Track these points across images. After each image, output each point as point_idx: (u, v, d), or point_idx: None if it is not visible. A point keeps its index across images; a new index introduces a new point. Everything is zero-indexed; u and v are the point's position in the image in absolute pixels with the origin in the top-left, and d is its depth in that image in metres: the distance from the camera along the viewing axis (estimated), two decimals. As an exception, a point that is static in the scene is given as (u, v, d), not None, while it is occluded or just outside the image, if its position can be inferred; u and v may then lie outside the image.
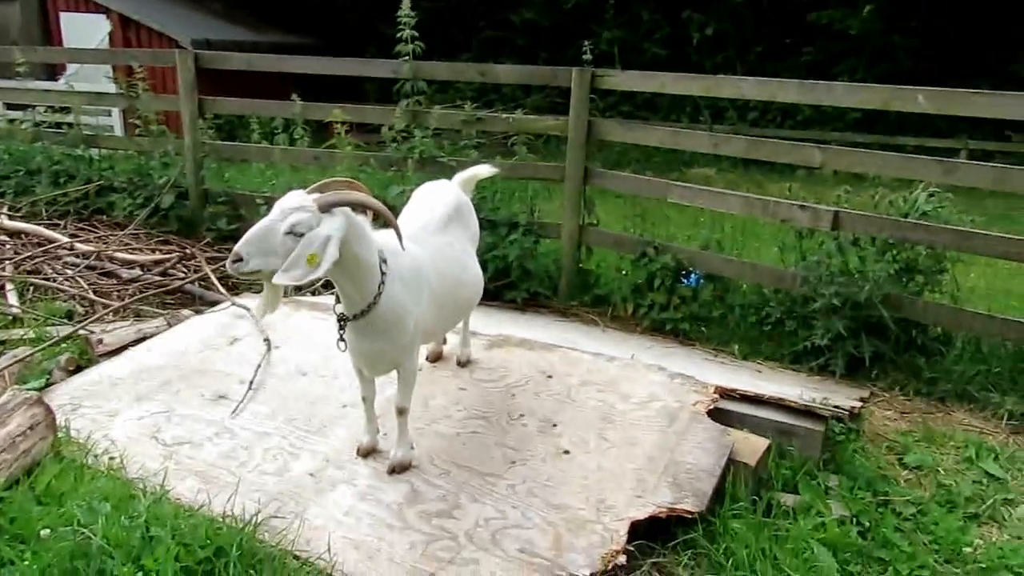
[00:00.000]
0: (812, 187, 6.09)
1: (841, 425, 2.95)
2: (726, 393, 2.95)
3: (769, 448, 2.68)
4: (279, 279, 2.06)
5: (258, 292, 4.02)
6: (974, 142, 10.03)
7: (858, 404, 3.09)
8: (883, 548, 2.39)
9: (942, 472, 2.87)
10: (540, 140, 4.95)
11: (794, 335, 3.69)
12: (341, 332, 2.41)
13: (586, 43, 4.67)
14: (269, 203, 5.26)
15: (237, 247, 2.09)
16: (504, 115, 4.78)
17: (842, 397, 3.12)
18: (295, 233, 2.08)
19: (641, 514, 2.34)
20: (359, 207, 2.31)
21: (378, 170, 4.82)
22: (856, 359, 3.48)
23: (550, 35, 13.47)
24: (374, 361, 2.51)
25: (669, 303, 4.02)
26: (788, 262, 3.95)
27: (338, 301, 2.40)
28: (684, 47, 12.63)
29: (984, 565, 2.35)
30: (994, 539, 2.51)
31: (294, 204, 2.12)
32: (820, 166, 3.99)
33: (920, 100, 3.44)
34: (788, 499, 2.55)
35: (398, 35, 4.64)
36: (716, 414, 2.83)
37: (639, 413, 2.87)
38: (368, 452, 2.68)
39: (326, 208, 2.15)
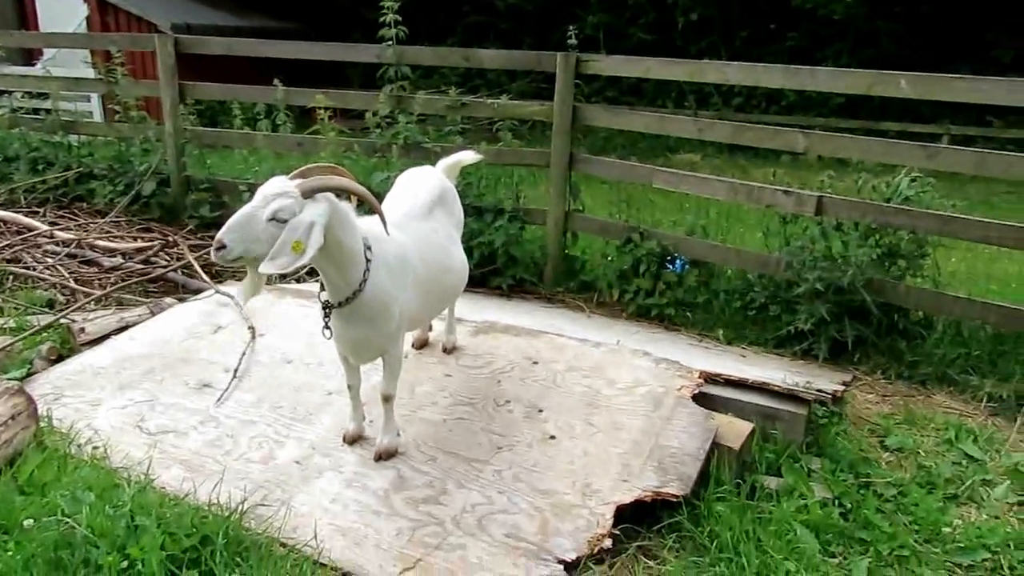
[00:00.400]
0: (796, 172, 6.12)
1: (824, 409, 2.98)
2: (711, 378, 2.97)
3: (753, 432, 2.70)
4: (265, 268, 2.05)
5: (242, 280, 3.99)
6: (956, 127, 10.11)
7: (841, 388, 3.12)
8: (864, 529, 2.43)
9: (922, 454, 2.92)
10: (525, 126, 4.93)
11: (778, 320, 3.72)
12: (326, 320, 2.40)
13: (571, 28, 4.65)
14: (252, 190, 5.21)
15: (220, 234, 2.07)
16: (489, 100, 4.76)
17: (825, 381, 3.15)
18: (278, 219, 2.06)
19: (626, 498, 2.36)
20: (342, 193, 2.30)
21: (362, 156, 4.79)
22: (839, 343, 3.52)
23: (535, 20, 13.39)
24: (360, 348, 2.50)
25: (654, 289, 4.04)
26: (772, 247, 3.97)
27: (323, 288, 2.38)
28: (669, 32, 12.60)
29: (963, 544, 2.39)
30: (972, 519, 2.56)
31: (277, 190, 2.10)
32: (804, 151, 4.01)
33: (902, 85, 3.46)
34: (771, 482, 2.58)
35: (381, 19, 4.60)
36: (701, 399, 2.85)
37: (624, 398, 2.88)
38: (354, 439, 2.67)
39: (309, 194, 2.14)
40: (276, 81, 4.96)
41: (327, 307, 2.37)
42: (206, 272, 4.25)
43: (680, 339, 3.77)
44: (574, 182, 4.49)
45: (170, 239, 4.76)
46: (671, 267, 4.11)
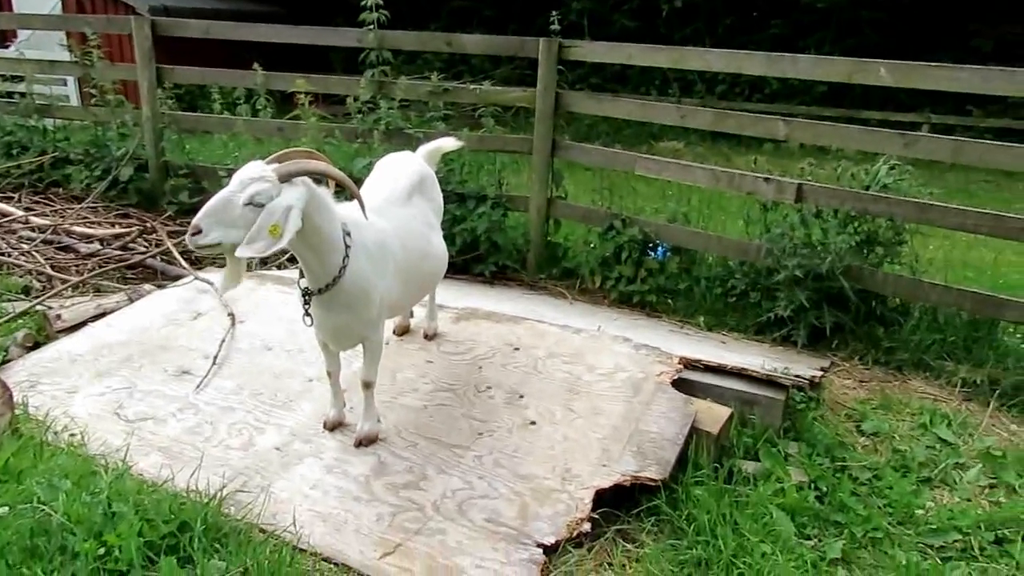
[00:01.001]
0: (778, 160, 6.15)
1: (802, 394, 3.02)
2: (690, 363, 2.99)
3: (731, 417, 2.73)
4: (242, 252, 2.03)
5: (222, 266, 3.95)
6: (936, 116, 10.19)
7: (818, 373, 3.16)
8: (840, 512, 2.47)
9: (897, 438, 2.96)
10: (508, 112, 4.91)
11: (758, 306, 3.75)
12: (306, 307, 2.39)
13: (554, 14, 4.62)
14: (232, 175, 5.17)
15: (196, 219, 2.04)
16: (472, 86, 4.73)
17: (803, 367, 3.18)
18: (255, 204, 2.04)
19: (606, 482, 2.38)
20: (320, 178, 2.28)
21: (343, 142, 4.75)
22: (817, 329, 3.56)
23: (519, 6, 13.28)
24: (340, 335, 2.49)
25: (636, 276, 4.05)
26: (753, 234, 4.00)
27: (302, 276, 2.37)
28: (654, 19, 12.56)
29: (935, 526, 2.44)
30: (945, 502, 2.61)
31: (253, 174, 2.08)
32: (785, 139, 4.03)
33: (882, 73, 3.48)
34: (749, 466, 2.61)
35: (363, 3, 4.54)
36: (680, 384, 2.87)
37: (605, 384, 2.90)
38: (335, 426, 2.67)
39: (286, 178, 2.12)
40: (256, 65, 4.89)
41: (307, 294, 2.36)
42: (185, 258, 4.21)
43: (661, 325, 3.79)
44: (557, 169, 4.48)
45: (148, 225, 4.70)
46: (653, 254, 4.13)
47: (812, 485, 2.58)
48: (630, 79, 12.52)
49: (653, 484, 2.40)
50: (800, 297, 3.52)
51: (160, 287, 3.84)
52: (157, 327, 3.39)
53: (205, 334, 3.31)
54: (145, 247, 4.47)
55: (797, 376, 2.99)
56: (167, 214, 4.99)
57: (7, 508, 2.12)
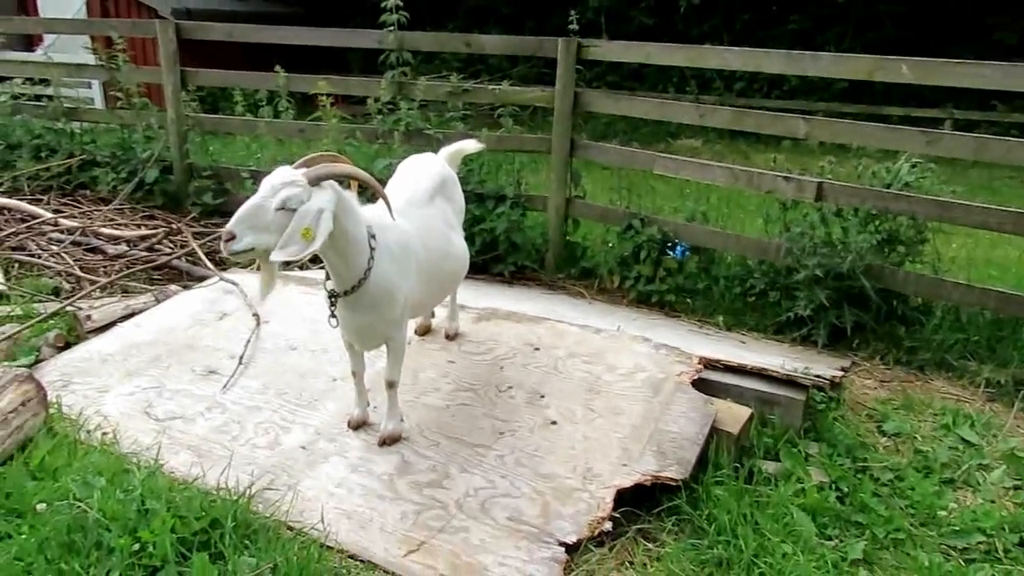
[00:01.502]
0: (798, 157, 6.12)
1: (822, 394, 3.01)
2: (710, 363, 3.00)
3: (751, 417, 2.74)
4: (277, 256, 2.07)
5: (246, 267, 4.02)
6: (960, 112, 10.05)
7: (839, 373, 3.16)
8: (861, 512, 2.47)
9: (920, 439, 2.95)
10: (526, 111, 4.93)
11: (777, 306, 3.75)
12: (332, 308, 2.43)
13: (572, 13, 4.64)
14: (255, 176, 5.25)
15: (229, 225, 2.08)
16: (490, 86, 4.76)
17: (823, 366, 3.18)
18: (287, 208, 2.08)
19: (626, 482, 2.40)
20: (343, 180, 2.32)
21: (364, 143, 4.80)
22: (838, 329, 3.55)
23: (536, 3, 13.28)
24: (365, 336, 2.53)
25: (655, 275, 4.06)
26: (772, 233, 3.99)
27: (328, 277, 2.41)
28: (671, 16, 12.50)
29: (958, 528, 2.43)
30: (968, 503, 2.60)
31: (284, 179, 2.12)
32: (805, 137, 4.02)
33: (904, 71, 3.46)
34: (769, 466, 2.62)
35: (383, 4, 4.59)
36: (700, 384, 2.88)
37: (624, 384, 2.92)
38: (359, 425, 2.72)
39: (315, 182, 2.16)
40: (277, 67, 4.95)
41: (333, 296, 2.40)
42: (210, 259, 4.28)
43: (680, 325, 3.80)
44: (575, 168, 4.50)
45: (174, 226, 4.79)
46: (672, 253, 4.13)
47: (833, 486, 2.58)
48: (648, 76, 12.47)
49: (674, 484, 2.42)
50: (820, 296, 3.51)
51: (186, 288, 3.92)
52: (184, 327, 3.46)
53: (230, 334, 3.37)
54: (171, 248, 4.55)
55: (817, 376, 2.99)
56: (191, 215, 5.08)
57: (44, 505, 2.20)
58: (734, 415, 2.70)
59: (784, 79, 11.65)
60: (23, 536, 2.08)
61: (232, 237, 2.07)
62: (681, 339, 3.33)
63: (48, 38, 8.70)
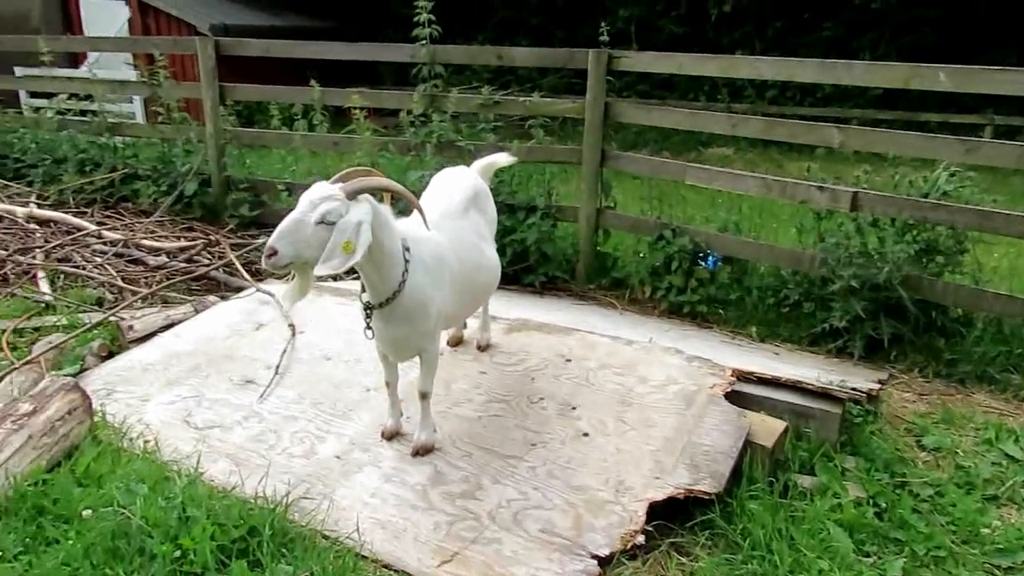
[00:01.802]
0: (832, 166, 6.03)
1: (859, 407, 2.97)
2: (743, 376, 2.98)
3: (786, 430, 2.71)
4: (320, 270, 2.12)
5: (281, 278, 4.09)
6: (1000, 117, 9.82)
7: (876, 386, 3.10)
8: (900, 529, 2.42)
9: (961, 454, 2.89)
10: (556, 122, 4.95)
11: (812, 317, 3.70)
12: (368, 320, 2.47)
13: (603, 24, 4.65)
14: (290, 189, 5.34)
15: (271, 242, 2.13)
16: (521, 98, 4.79)
17: (860, 379, 3.13)
18: (327, 222, 2.13)
19: (659, 495, 2.39)
20: (382, 193, 2.36)
21: (396, 155, 4.86)
22: (875, 341, 3.49)
23: (565, 14, 13.35)
24: (399, 347, 2.57)
25: (687, 286, 4.05)
26: (806, 243, 3.95)
27: (364, 290, 2.45)
28: (702, 24, 12.46)
29: (1002, 546, 2.38)
30: (1012, 520, 2.53)
31: (322, 194, 2.17)
32: (840, 147, 3.97)
33: (942, 78, 3.41)
34: (805, 481, 2.59)
35: (415, 18, 4.65)
36: (733, 396, 2.86)
37: (657, 396, 2.91)
38: (392, 435, 2.75)
39: (352, 195, 2.20)
40: (312, 81, 5.05)
41: (368, 307, 2.44)
42: (247, 271, 4.37)
43: (712, 336, 3.77)
44: (605, 179, 4.50)
45: (212, 238, 4.90)
46: (703, 264, 4.11)
47: (871, 501, 2.54)
48: (678, 85, 12.44)
49: (707, 497, 2.40)
50: (856, 307, 3.46)
51: (224, 298, 4.00)
52: (222, 337, 3.53)
53: (267, 344, 3.44)
54: (209, 259, 4.65)
55: (853, 389, 2.94)
56: (229, 227, 5.19)
57: (90, 511, 2.26)
58: (768, 428, 2.67)
59: (817, 86, 11.52)
60: (70, 541, 2.14)
61: (274, 252, 2.12)
62: (713, 350, 3.31)
63: (92, 55, 9.00)
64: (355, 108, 4.84)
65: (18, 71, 7.80)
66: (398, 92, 5.29)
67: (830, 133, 3.83)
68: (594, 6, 12.16)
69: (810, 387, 2.89)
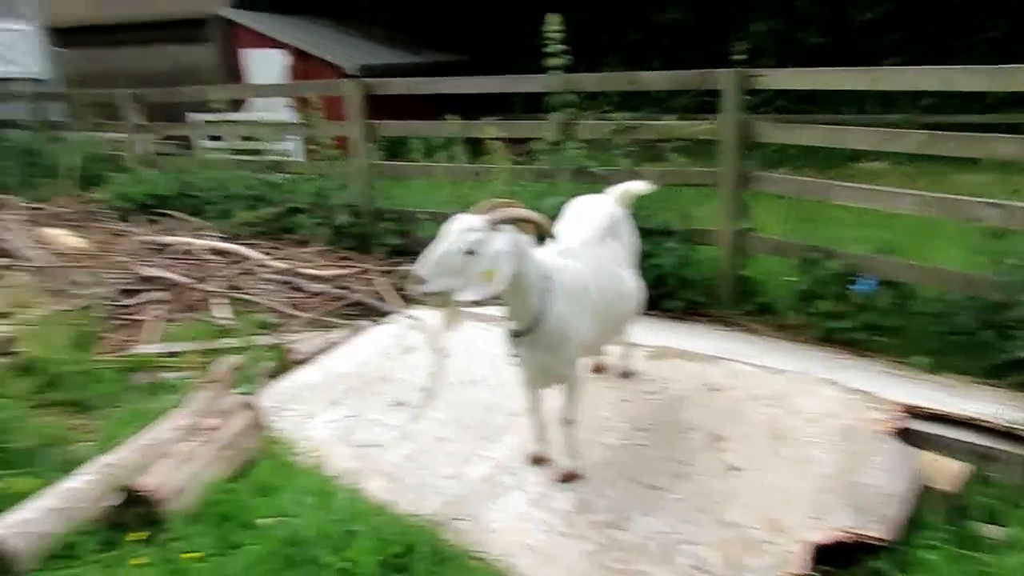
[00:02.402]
0: (1007, 177, 5.47)
1: (1051, 449, 2.66)
2: (911, 411, 2.76)
3: (966, 473, 2.48)
4: (465, 296, 2.22)
5: (430, 305, 4.29)
6: None
7: (1071, 425, 2.77)
8: (1108, 590, 2.14)
9: None
10: (692, 142, 4.86)
11: (989, 347, 3.37)
12: (512, 348, 2.54)
13: (736, 43, 4.53)
14: (433, 217, 5.56)
15: (419, 271, 2.25)
16: (656, 121, 4.75)
17: (1051, 417, 2.81)
18: (470, 252, 2.23)
19: (822, 537, 2.26)
20: (521, 223, 2.44)
21: (532, 182, 4.97)
22: (1067, 374, 3.12)
23: (696, 33, 13.11)
24: (542, 374, 2.62)
25: (840, 311, 3.81)
26: (979, 265, 3.61)
27: (507, 318, 2.52)
28: (845, 32, 11.80)
29: None
30: None
31: (466, 225, 2.27)
32: (1013, 160, 3.60)
33: None
34: (992, 531, 2.34)
35: (546, 49, 4.76)
36: (901, 434, 2.66)
37: (812, 430, 2.76)
38: (537, 460, 2.79)
39: (495, 226, 2.29)
40: (450, 116, 5.28)
41: (511, 335, 2.51)
42: (395, 297, 4.62)
43: (872, 366, 3.53)
44: (744, 200, 4.36)
45: (363, 267, 5.23)
46: (858, 288, 3.86)
47: (1072, 557, 2.26)
48: (821, 98, 11.81)
49: (876, 544, 2.24)
50: (1043, 337, 3.11)
51: (375, 323, 4.25)
52: (376, 360, 3.75)
53: (416, 367, 3.60)
54: (361, 287, 4.96)
55: (1045, 428, 2.64)
56: (378, 255, 5.52)
57: (265, 520, 2.47)
58: (945, 470, 2.46)
59: (984, 92, 10.53)
60: (252, 546, 2.34)
61: (422, 281, 2.24)
62: (874, 382, 3.10)
63: (257, 101, 9.94)
64: (491, 138, 5.01)
65: (191, 116, 8.75)
66: (532, 121, 5.42)
67: (1001, 146, 3.47)
68: (727, 23, 11.86)
69: (992, 426, 2.63)
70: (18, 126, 7.98)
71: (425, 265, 2.27)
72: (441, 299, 2.30)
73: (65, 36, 11.20)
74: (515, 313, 2.47)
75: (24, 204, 6.77)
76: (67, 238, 5.85)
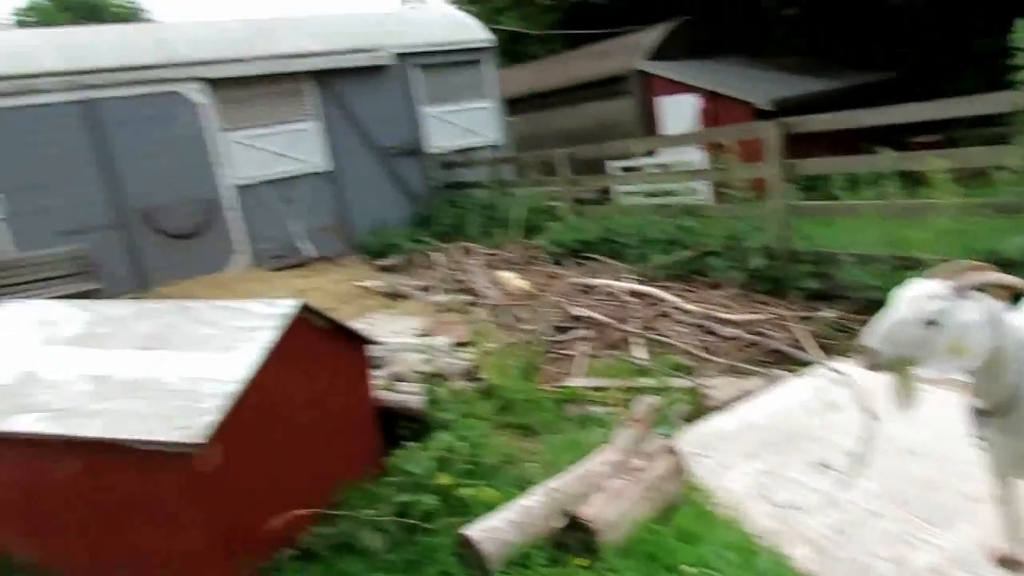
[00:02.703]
0: None
1: None
2: None
3: None
4: (930, 372, 2.02)
5: (851, 355, 3.96)
6: None
7: None
8: None
9: None
10: None
11: None
12: (977, 427, 2.19)
13: None
14: (859, 260, 5.13)
15: (866, 341, 2.09)
16: None
17: None
18: (933, 323, 2.00)
19: None
20: (992, 288, 2.09)
21: (989, 218, 4.22)
22: None
23: None
24: (1018, 462, 2.19)
25: None
26: None
27: (971, 392, 2.19)
28: None
29: None
30: None
31: (927, 292, 2.04)
32: None
33: None
34: None
35: (1013, 61, 4.01)
36: None
37: None
38: (1006, 563, 2.34)
39: (963, 293, 2.02)
40: (878, 146, 4.80)
41: (977, 413, 2.17)
42: (814, 346, 4.37)
43: None
44: None
45: (778, 312, 5.07)
46: None
47: None
48: None
49: None
50: None
51: (791, 372, 4.08)
52: (794, 414, 3.60)
53: (841, 428, 3.35)
54: (777, 333, 4.82)
55: None
56: (794, 300, 5.29)
57: (690, 568, 2.56)
58: None
59: None
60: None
61: (871, 351, 2.08)
62: None
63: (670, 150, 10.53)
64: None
65: (609, 165, 9.62)
66: (988, 149, 4.60)
67: None
68: None
69: None
70: (480, 186, 9.86)
71: (875, 335, 2.10)
72: (896, 367, 2.11)
73: (511, 106, 13.47)
74: (986, 390, 2.13)
75: (483, 250, 8.31)
76: (515, 280, 6.97)
